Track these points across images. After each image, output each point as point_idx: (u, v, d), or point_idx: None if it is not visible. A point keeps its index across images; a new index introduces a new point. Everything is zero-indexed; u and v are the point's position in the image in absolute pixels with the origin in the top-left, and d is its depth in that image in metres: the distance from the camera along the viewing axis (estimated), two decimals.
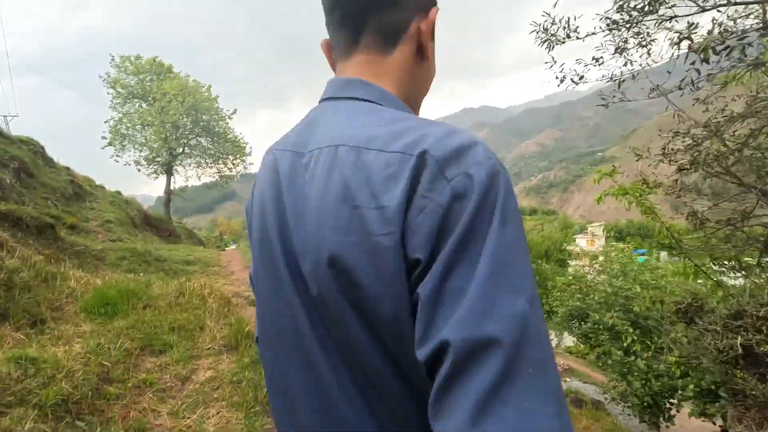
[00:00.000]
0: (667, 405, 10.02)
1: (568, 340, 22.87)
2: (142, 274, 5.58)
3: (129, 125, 17.31)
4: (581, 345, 20.21)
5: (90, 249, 6.35)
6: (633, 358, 9.82)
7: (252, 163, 20.23)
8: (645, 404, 9.99)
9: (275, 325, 0.60)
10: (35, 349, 2.70)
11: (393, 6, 0.58)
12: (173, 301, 4.31)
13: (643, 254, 19.89)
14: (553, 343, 23.36)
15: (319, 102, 0.63)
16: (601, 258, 20.74)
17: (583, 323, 12.71)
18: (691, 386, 9.15)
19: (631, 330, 10.09)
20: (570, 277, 22.80)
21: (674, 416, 10.16)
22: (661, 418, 10.25)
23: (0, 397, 2.11)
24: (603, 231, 77.52)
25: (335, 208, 0.49)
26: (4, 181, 7.14)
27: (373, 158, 0.49)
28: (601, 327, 10.74)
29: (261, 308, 0.65)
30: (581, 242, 68.88)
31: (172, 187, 18.49)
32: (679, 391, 9.62)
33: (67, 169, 12.60)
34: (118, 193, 14.20)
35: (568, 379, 17.46)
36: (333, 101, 0.60)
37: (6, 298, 3.20)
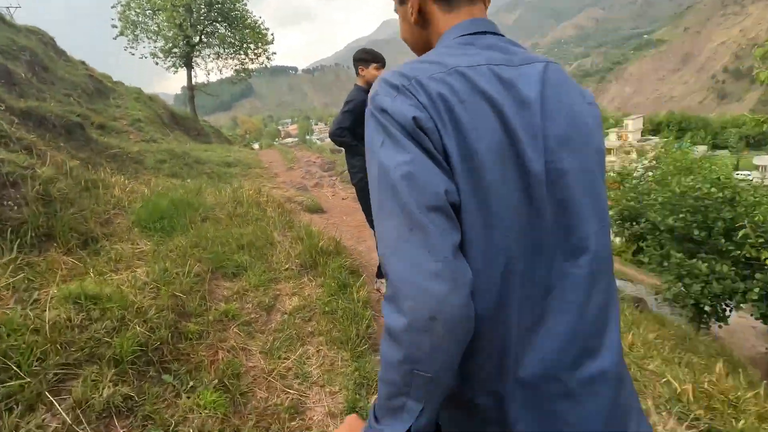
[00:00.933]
0: (724, 307, 9.76)
1: None
2: (188, 180, 5.02)
3: (138, 10, 15.59)
4: (617, 243, 19.90)
5: (126, 151, 5.76)
6: (695, 260, 9.29)
7: (275, 53, 18.46)
8: (701, 306, 9.74)
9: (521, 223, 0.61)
10: (94, 281, 2.21)
11: None
12: (232, 211, 3.77)
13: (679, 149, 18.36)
14: None
15: (473, 34, 0.71)
16: (651, 154, 19.29)
17: (635, 224, 12.07)
18: (756, 289, 8.71)
19: (697, 233, 9.38)
20: (613, 174, 21.64)
21: (729, 317, 9.97)
22: (714, 319, 10.09)
23: (64, 352, 1.63)
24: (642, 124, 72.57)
25: (586, 106, 0.72)
26: (18, 75, 6.34)
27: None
28: (662, 229, 10.06)
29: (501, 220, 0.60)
30: (613, 137, 65.16)
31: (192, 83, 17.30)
32: (739, 294, 9.25)
33: (83, 63, 11.58)
34: (140, 89, 13.27)
35: None
36: (494, 36, 0.72)
37: (47, 215, 2.67)
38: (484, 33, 0.72)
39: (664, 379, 2.11)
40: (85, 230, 2.84)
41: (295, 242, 3.56)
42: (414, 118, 0.58)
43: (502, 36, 0.73)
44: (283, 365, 2.18)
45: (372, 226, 3.23)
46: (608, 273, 0.68)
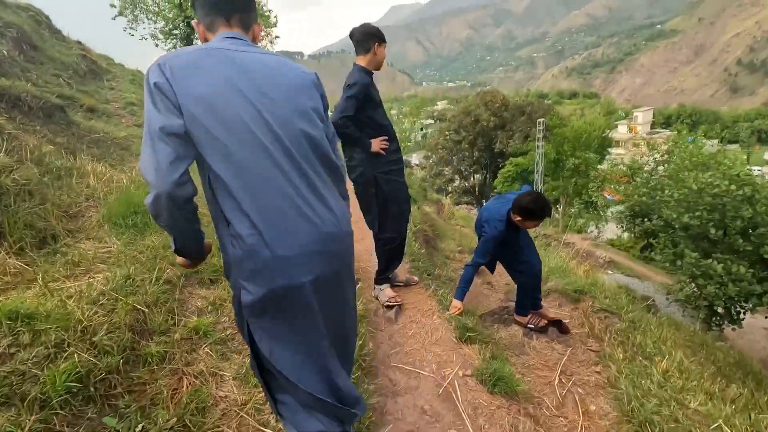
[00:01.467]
0: (738, 309, 9.38)
1: (609, 233, 22.16)
2: None
3: None
4: (625, 238, 19.45)
5: (111, 136, 5.40)
6: (710, 260, 8.88)
7: (278, 36, 17.92)
8: (714, 308, 9.38)
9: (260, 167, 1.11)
10: (40, 290, 1.87)
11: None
12: None
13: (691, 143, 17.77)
14: (593, 235, 22.80)
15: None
16: (663, 147, 18.73)
17: (646, 220, 11.65)
18: None
19: (714, 232, 8.96)
20: (624, 168, 21.09)
21: (743, 319, 9.61)
22: (727, 322, 9.73)
23: None
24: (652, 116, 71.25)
25: (296, 74, 1.26)
26: None
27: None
28: (676, 227, 9.64)
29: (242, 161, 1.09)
30: (622, 128, 64.10)
31: None
32: (755, 297, 8.87)
33: (79, 43, 11.15)
34: (139, 71, 12.84)
35: (610, 272, 17.11)
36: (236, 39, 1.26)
37: None
38: (230, 38, 1.23)
39: (715, 425, 1.78)
40: (43, 227, 2.50)
41: None
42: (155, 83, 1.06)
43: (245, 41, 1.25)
44: (260, 395, 1.84)
45: (370, 227, 2.86)
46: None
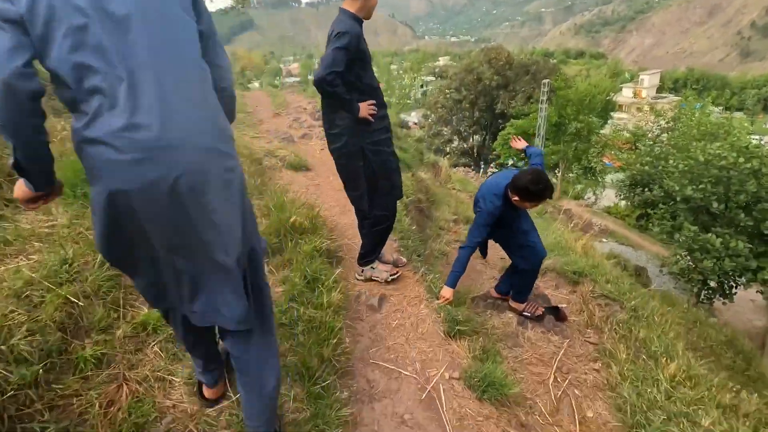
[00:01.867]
0: (732, 284, 9.34)
1: (606, 200, 21.93)
2: None
3: None
4: (622, 206, 19.27)
5: None
6: (709, 235, 8.71)
7: None
8: (707, 283, 9.32)
9: None
10: None
11: None
12: None
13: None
14: (590, 201, 22.57)
15: None
16: (670, 114, 18.11)
17: (647, 190, 11.37)
18: None
19: (716, 205, 8.72)
20: (626, 134, 20.55)
21: (735, 294, 9.59)
22: (719, 296, 9.72)
23: None
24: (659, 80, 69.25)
25: None
26: None
27: None
28: (677, 199, 9.38)
29: None
30: (627, 92, 62.35)
31: None
32: (751, 272, 8.79)
33: None
34: None
35: (604, 240, 17.03)
36: None
37: None
38: None
39: None
40: None
41: (262, 215, 2.89)
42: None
43: None
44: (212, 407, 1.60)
45: (357, 205, 2.54)
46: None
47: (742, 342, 6.09)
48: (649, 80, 66.06)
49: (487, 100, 29.38)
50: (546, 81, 16.21)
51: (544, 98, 15.88)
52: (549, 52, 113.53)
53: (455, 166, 27.15)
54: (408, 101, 59.76)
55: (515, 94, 27.75)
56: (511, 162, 26.86)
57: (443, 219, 4.84)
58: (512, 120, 24.60)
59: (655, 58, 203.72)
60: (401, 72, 67.02)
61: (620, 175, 13.29)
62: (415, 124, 42.36)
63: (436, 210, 5.12)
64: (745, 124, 16.24)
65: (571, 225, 6.76)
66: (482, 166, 31.87)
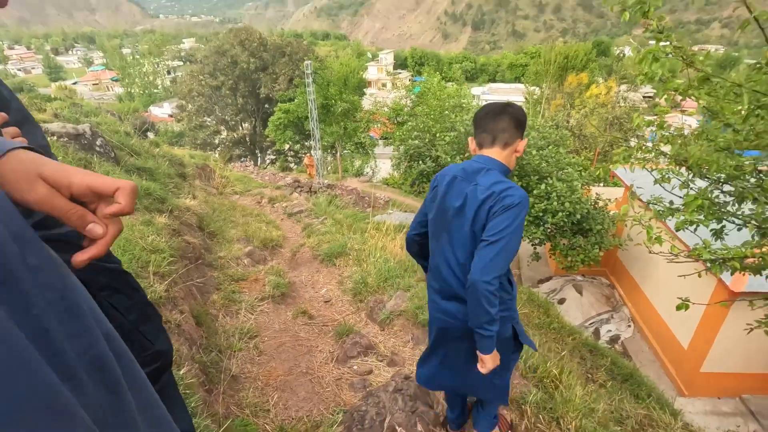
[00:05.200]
0: None
1: (383, 172, 23.88)
2: None
3: None
4: (396, 176, 21.26)
5: None
6: None
7: None
8: None
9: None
10: None
11: None
12: None
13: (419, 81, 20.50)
14: (369, 175, 24.15)
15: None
16: (408, 83, 20.61)
17: (421, 162, 12.43)
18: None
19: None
20: (387, 110, 22.46)
21: None
22: None
23: None
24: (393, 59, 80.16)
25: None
26: None
27: None
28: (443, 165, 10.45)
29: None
30: (372, 70, 70.22)
31: None
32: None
33: None
34: None
35: (390, 211, 18.42)
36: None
37: None
38: None
39: None
40: None
41: None
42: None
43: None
44: None
45: None
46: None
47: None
48: (386, 59, 75.49)
49: (249, 85, 27.50)
50: (308, 62, 15.80)
51: (310, 80, 15.47)
52: (298, 33, 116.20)
53: (230, 160, 24.69)
54: (156, 90, 51.38)
55: (276, 76, 26.79)
56: (287, 146, 26.13)
57: (231, 257, 3.52)
58: (279, 104, 23.67)
59: (385, 40, 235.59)
60: (138, 57, 56.42)
61: (396, 153, 14.15)
62: (170, 116, 36.64)
63: (219, 244, 3.74)
64: (467, 92, 19.93)
65: (384, 229, 6.33)
66: (259, 155, 30.15)
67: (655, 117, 3.21)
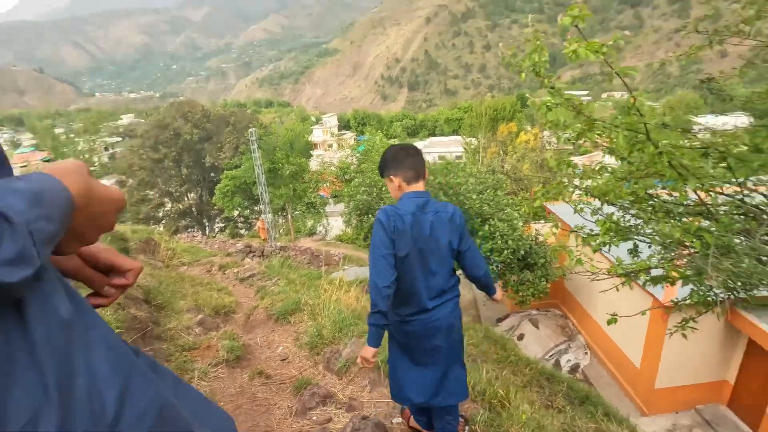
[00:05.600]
0: None
1: (336, 229, 24.02)
2: None
3: None
4: (349, 232, 21.47)
5: None
6: None
7: None
8: None
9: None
10: None
11: None
12: None
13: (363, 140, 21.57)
14: (321, 234, 24.15)
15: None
16: (352, 142, 21.52)
17: (370, 215, 12.76)
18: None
19: None
20: (334, 168, 23.06)
21: None
22: None
23: None
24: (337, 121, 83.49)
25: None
26: None
27: None
28: None
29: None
30: (318, 132, 72.51)
31: None
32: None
33: None
34: None
35: (346, 267, 18.34)
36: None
37: None
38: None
39: None
40: None
41: None
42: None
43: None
44: None
45: None
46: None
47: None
48: (330, 122, 78.51)
49: (193, 156, 27.36)
50: (252, 129, 16.16)
51: (255, 147, 15.74)
52: (241, 103, 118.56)
53: (176, 231, 23.84)
54: (93, 168, 49.50)
55: (221, 145, 26.93)
56: (237, 212, 25.72)
57: (181, 327, 3.44)
58: (226, 172, 23.64)
59: (328, 104, 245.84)
60: (72, 135, 54.59)
61: (346, 209, 14.45)
62: None
63: (167, 316, 3.64)
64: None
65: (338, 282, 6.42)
66: (207, 224, 29.37)
67: (571, 157, 3.69)
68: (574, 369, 9.96)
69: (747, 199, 2.63)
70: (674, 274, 2.74)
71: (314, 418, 2.13)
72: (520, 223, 9.27)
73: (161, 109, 32.63)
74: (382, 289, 1.60)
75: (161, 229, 17.59)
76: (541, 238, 9.78)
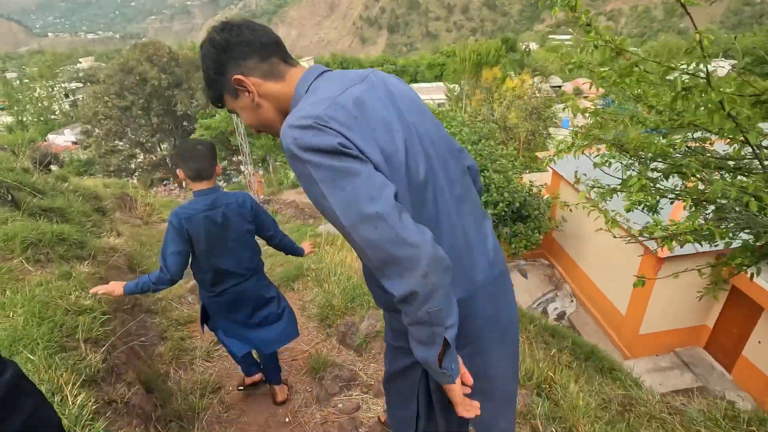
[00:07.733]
0: None
1: None
2: None
3: None
4: None
5: None
6: None
7: None
8: None
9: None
10: None
11: None
12: None
13: None
14: None
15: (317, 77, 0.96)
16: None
17: None
18: None
19: None
20: None
21: None
22: None
23: None
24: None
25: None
26: None
27: None
28: None
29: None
30: None
31: None
32: None
33: None
34: None
35: (323, 225, 18.10)
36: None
37: None
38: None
39: None
40: None
41: None
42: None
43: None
44: None
45: None
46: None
47: None
48: (308, 65, 75.00)
49: (163, 103, 25.66)
50: None
51: None
52: None
53: (151, 185, 22.82)
54: (53, 117, 46.26)
55: (193, 92, 25.27)
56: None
57: (173, 295, 3.12)
58: (200, 121, 22.31)
59: (303, 48, 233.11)
60: (26, 81, 50.22)
61: None
62: (75, 143, 33.12)
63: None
64: None
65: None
66: None
67: (573, 103, 3.31)
68: (561, 316, 10.25)
69: None
70: (718, 235, 2.54)
71: (340, 405, 1.91)
72: (515, 175, 9.03)
73: (123, 51, 30.01)
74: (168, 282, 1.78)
75: (135, 182, 16.72)
76: (534, 190, 9.62)
